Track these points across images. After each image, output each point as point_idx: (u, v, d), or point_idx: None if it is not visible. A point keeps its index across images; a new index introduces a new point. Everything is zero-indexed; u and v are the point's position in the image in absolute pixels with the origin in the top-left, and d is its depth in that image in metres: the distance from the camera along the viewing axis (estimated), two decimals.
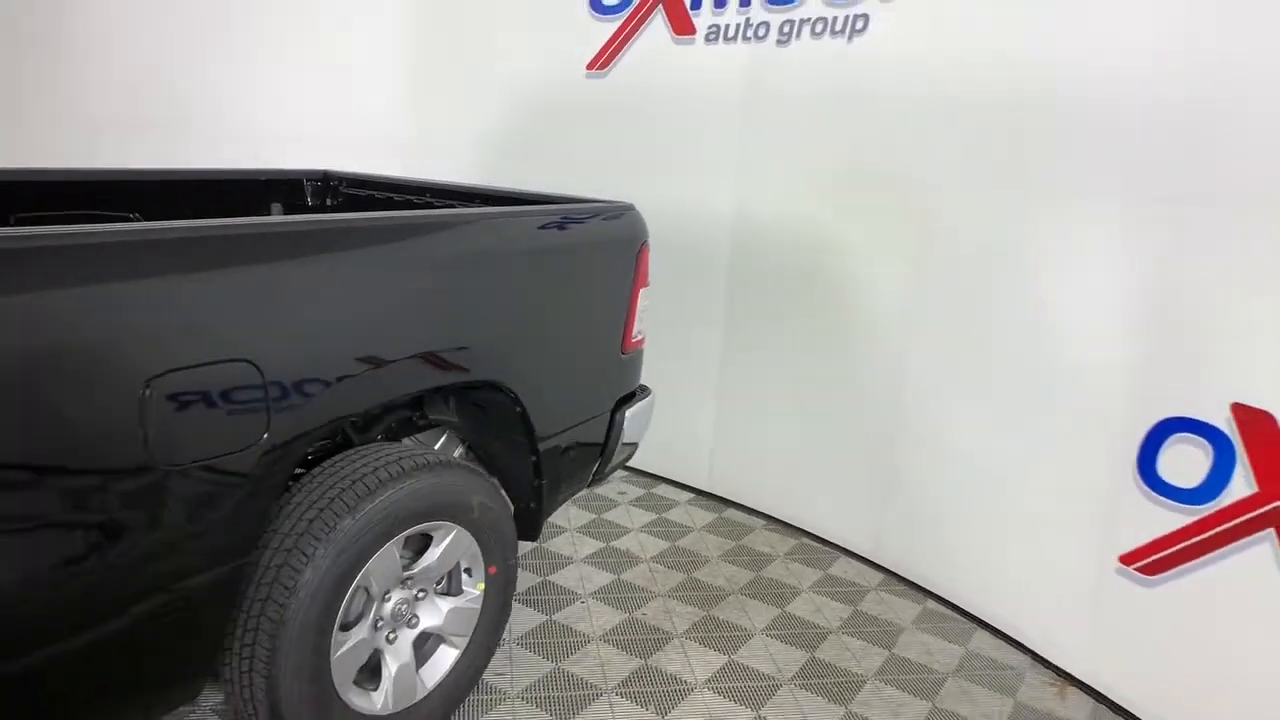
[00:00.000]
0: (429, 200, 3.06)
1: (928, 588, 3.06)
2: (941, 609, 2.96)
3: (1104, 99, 2.39)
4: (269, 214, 3.34)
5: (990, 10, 2.66)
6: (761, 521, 3.56)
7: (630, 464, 3.69)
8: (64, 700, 1.43)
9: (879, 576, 3.17)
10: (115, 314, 1.34)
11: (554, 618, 2.71)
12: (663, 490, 3.81)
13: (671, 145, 3.55)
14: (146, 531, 1.41)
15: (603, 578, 3.00)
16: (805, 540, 3.41)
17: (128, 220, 2.87)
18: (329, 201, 3.45)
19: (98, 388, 1.32)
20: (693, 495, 3.77)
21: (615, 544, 3.27)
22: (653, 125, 3.60)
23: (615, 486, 3.78)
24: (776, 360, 3.43)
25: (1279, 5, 2.05)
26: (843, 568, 3.22)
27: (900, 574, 3.15)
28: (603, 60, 3.73)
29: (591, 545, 3.24)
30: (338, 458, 1.84)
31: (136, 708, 1.59)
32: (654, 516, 3.54)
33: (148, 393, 1.36)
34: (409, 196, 3.15)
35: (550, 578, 2.95)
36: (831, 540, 3.38)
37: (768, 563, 3.21)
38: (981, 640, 2.79)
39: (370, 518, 1.79)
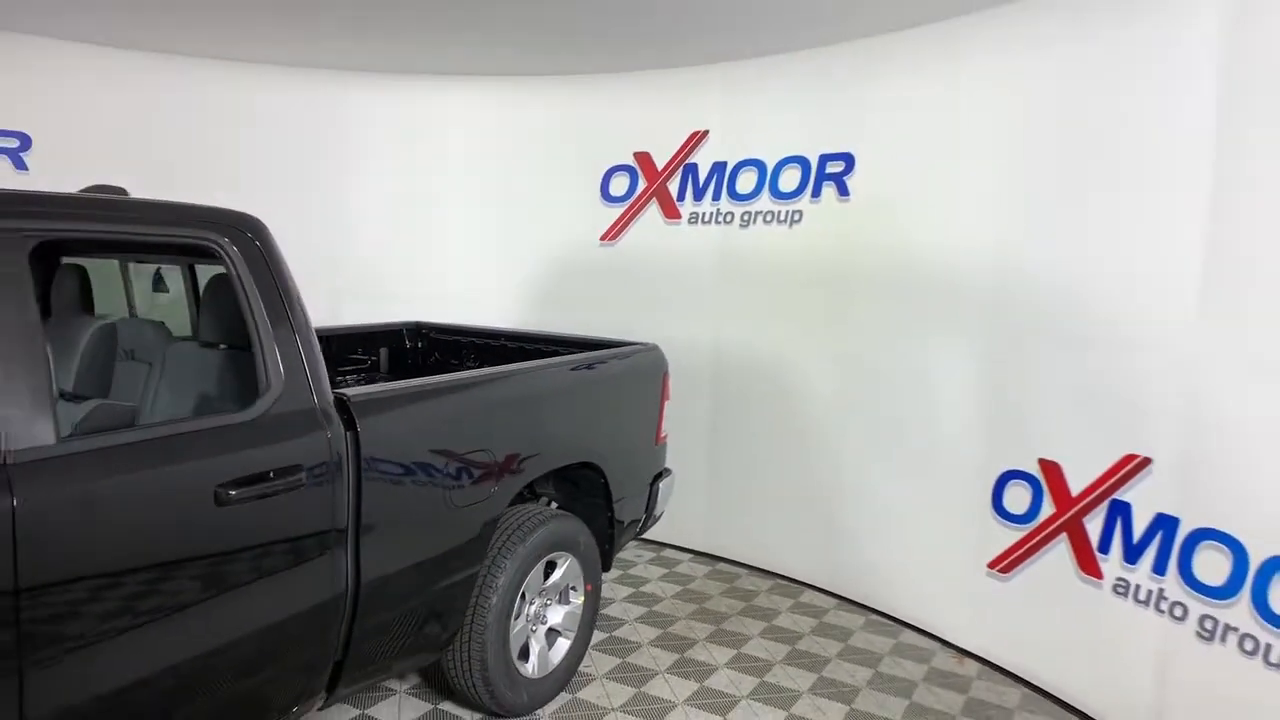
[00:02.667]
0: (505, 343, 4.33)
1: (868, 604, 4.30)
2: (879, 618, 4.20)
3: (953, 270, 3.84)
4: (379, 358, 4.57)
5: (879, 216, 4.14)
6: (745, 570, 4.78)
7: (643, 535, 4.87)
8: (399, 644, 2.58)
9: (834, 600, 4.40)
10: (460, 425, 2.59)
11: (613, 634, 3.87)
12: (668, 553, 5.01)
13: (665, 295, 4.92)
14: (453, 542, 2.61)
15: (639, 610, 4.17)
16: (779, 580, 4.64)
17: None
18: (419, 345, 4.70)
19: (438, 463, 2.54)
20: (692, 555, 4.98)
21: (642, 589, 4.44)
22: (650, 281, 4.98)
23: (632, 551, 4.96)
24: (749, 449, 4.74)
25: (1056, 221, 3.51)
26: (808, 596, 4.44)
27: (849, 597, 4.38)
28: (611, 234, 5.15)
29: (625, 590, 4.41)
30: (512, 509, 3.03)
31: (419, 655, 2.74)
32: (666, 570, 4.74)
33: (450, 467, 2.59)
34: (488, 340, 4.42)
35: (603, 611, 4.10)
36: (798, 579, 4.61)
37: (754, 596, 4.42)
38: (906, 635, 4.03)
39: (533, 545, 2.99)
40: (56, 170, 4.81)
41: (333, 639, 2.32)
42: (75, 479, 1.73)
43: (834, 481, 4.40)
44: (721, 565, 4.84)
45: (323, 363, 2.30)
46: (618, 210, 5.13)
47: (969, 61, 3.77)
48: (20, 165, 4.87)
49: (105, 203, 2.04)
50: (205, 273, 3.10)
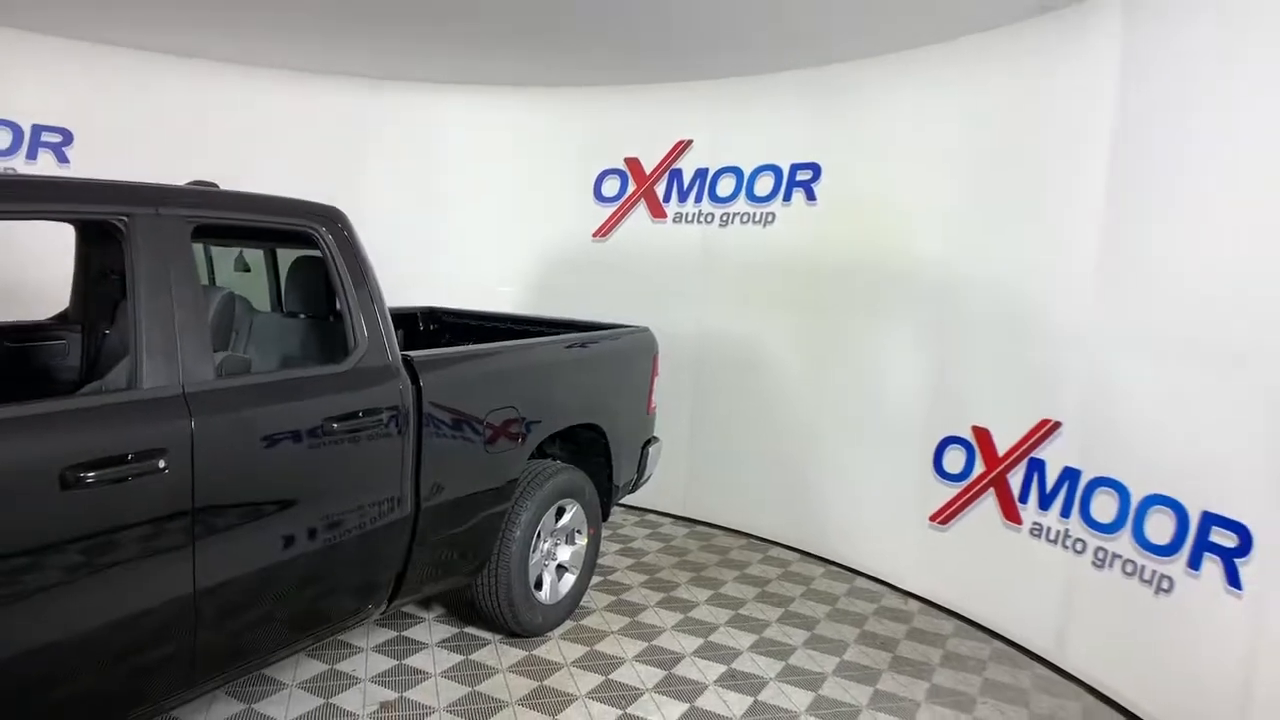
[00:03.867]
0: (511, 326, 4.87)
1: (829, 557, 4.92)
2: (836, 568, 4.83)
3: (904, 267, 4.47)
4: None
5: (842, 219, 4.76)
6: (720, 530, 5.38)
7: (626, 501, 5.42)
8: (445, 564, 3.13)
9: (798, 555, 5.01)
10: (481, 387, 3.14)
11: (607, 578, 4.44)
12: (651, 516, 5.59)
13: (652, 286, 5.50)
14: (487, 482, 3.17)
15: (629, 561, 4.75)
16: (751, 539, 5.25)
17: None
18: (431, 327, 5.21)
19: (478, 414, 3.09)
20: (672, 518, 5.57)
21: (630, 545, 5.02)
22: (638, 273, 5.56)
23: (618, 516, 5.53)
24: (726, 422, 5.34)
25: (986, 228, 4.14)
26: (775, 552, 5.06)
27: (812, 552, 5.01)
28: (603, 230, 5.71)
29: (615, 546, 4.98)
30: (532, 461, 3.58)
31: (457, 576, 3.28)
32: (650, 530, 5.32)
33: (486, 419, 3.14)
34: (495, 324, 4.96)
35: (599, 562, 4.67)
36: (767, 537, 5.22)
37: (728, 551, 5.03)
38: (860, 581, 4.66)
39: (547, 492, 3.55)
40: (94, 164, 5.28)
41: (398, 554, 2.86)
42: (226, 407, 2.25)
43: (799, 451, 5.02)
44: (699, 527, 5.44)
45: (393, 328, 2.85)
46: (609, 209, 5.70)
47: (917, 88, 4.40)
48: (63, 159, 5.31)
49: (237, 195, 2.57)
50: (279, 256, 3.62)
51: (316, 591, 2.61)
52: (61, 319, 3.47)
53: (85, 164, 5.30)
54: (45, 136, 5.26)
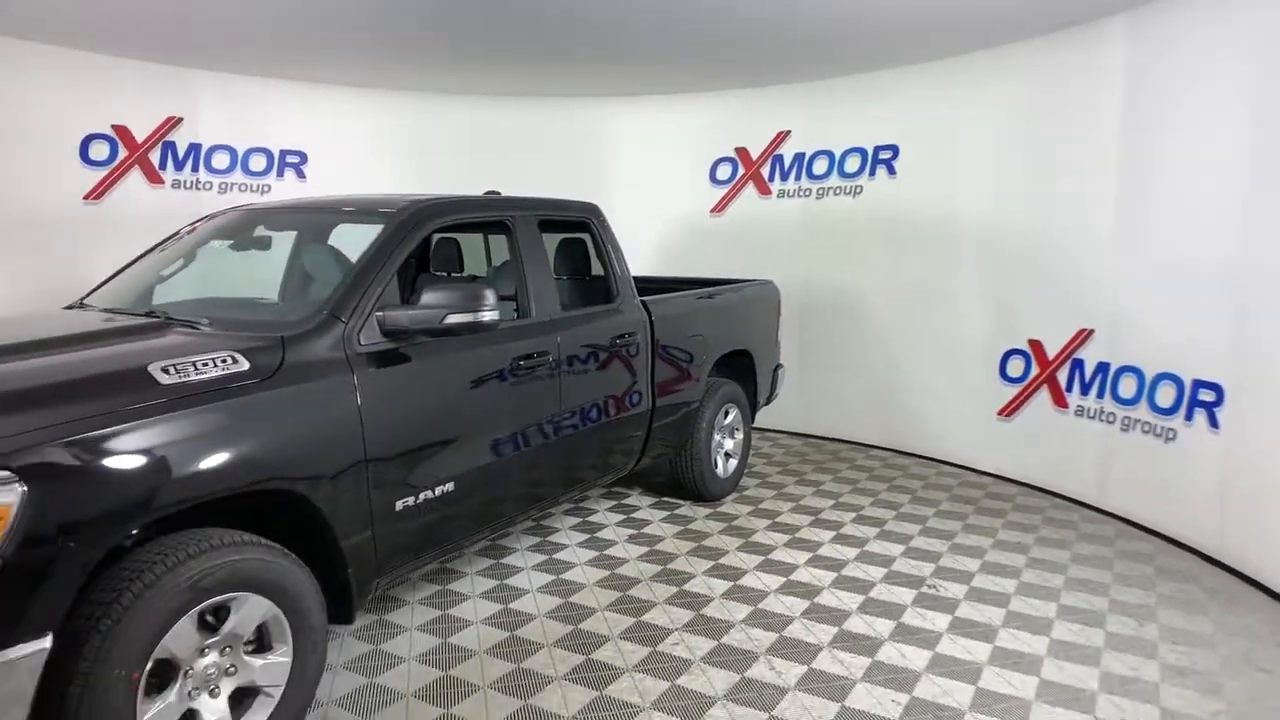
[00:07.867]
0: (664, 285, 6.31)
1: (915, 451, 6.31)
2: (923, 460, 6.21)
3: (967, 223, 5.78)
4: None
5: (916, 188, 6.09)
6: (828, 440, 6.80)
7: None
8: (666, 439, 4.61)
9: (893, 453, 6.41)
10: (683, 322, 4.61)
11: (751, 471, 5.90)
12: (770, 434, 7.04)
13: (761, 250, 6.89)
14: (689, 390, 4.64)
15: (763, 461, 6.20)
16: (854, 444, 6.66)
17: None
18: None
19: (682, 340, 4.55)
20: (788, 434, 7.00)
21: (760, 451, 6.48)
22: (749, 240, 6.95)
23: None
24: (828, 354, 6.73)
25: (1030, 189, 5.44)
26: (876, 452, 6.46)
27: (900, 449, 6.40)
28: (719, 207, 7.12)
29: (754, 455, 6.43)
30: (710, 378, 5.03)
31: (669, 449, 4.77)
32: (773, 443, 6.77)
33: (687, 344, 4.60)
34: (648, 283, 6.40)
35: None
36: (866, 442, 6.63)
37: (838, 452, 6.45)
38: (943, 469, 6.04)
39: (719, 398, 5.01)
40: (324, 178, 6.86)
41: (643, 431, 4.35)
42: (570, 327, 3.74)
43: (889, 372, 6.40)
44: (811, 439, 6.87)
45: (633, 282, 4.31)
46: (723, 189, 7.09)
47: (971, 83, 5.69)
48: (301, 175, 6.89)
49: (550, 200, 4.06)
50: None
51: (610, 448, 4.12)
52: None
53: (317, 178, 6.88)
54: (289, 159, 6.84)
